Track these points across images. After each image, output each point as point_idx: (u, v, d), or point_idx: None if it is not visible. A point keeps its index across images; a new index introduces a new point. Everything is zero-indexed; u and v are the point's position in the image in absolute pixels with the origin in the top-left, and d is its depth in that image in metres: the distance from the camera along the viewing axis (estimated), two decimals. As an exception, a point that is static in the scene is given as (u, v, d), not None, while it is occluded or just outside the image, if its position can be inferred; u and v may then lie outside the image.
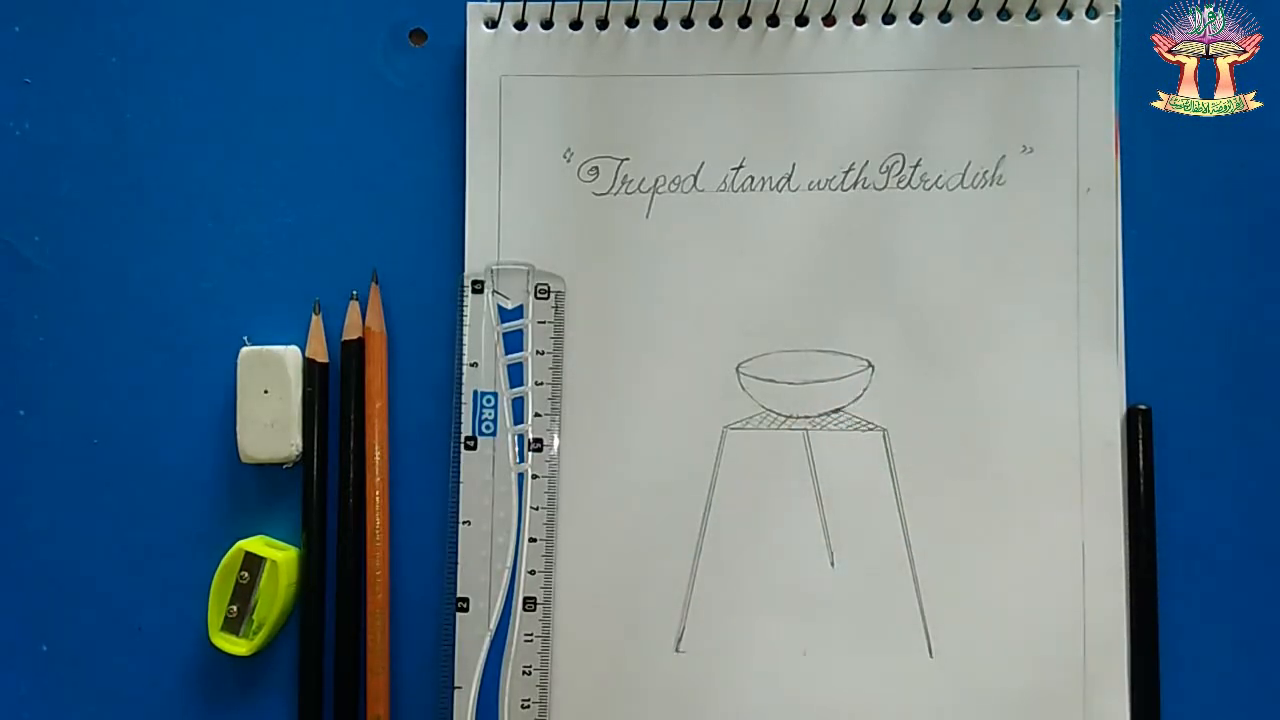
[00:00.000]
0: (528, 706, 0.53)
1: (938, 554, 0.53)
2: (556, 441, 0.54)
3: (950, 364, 0.53)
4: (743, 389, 0.54)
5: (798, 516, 0.53)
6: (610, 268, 0.54)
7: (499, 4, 0.54)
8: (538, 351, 0.54)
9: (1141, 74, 0.54)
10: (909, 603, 0.53)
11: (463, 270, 0.54)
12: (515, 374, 0.55)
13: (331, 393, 0.55)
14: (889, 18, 0.54)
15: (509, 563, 0.54)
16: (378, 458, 0.54)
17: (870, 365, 0.53)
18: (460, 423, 0.53)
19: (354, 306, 0.54)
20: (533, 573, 0.54)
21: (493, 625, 0.53)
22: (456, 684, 0.53)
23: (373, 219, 0.55)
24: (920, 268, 0.53)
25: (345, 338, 0.54)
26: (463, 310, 0.54)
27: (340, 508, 0.54)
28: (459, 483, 0.53)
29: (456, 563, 0.54)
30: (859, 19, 0.54)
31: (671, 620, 0.54)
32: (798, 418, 0.54)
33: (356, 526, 0.54)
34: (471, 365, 0.54)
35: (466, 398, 0.54)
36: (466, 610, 0.54)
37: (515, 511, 0.54)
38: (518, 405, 0.55)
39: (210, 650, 0.53)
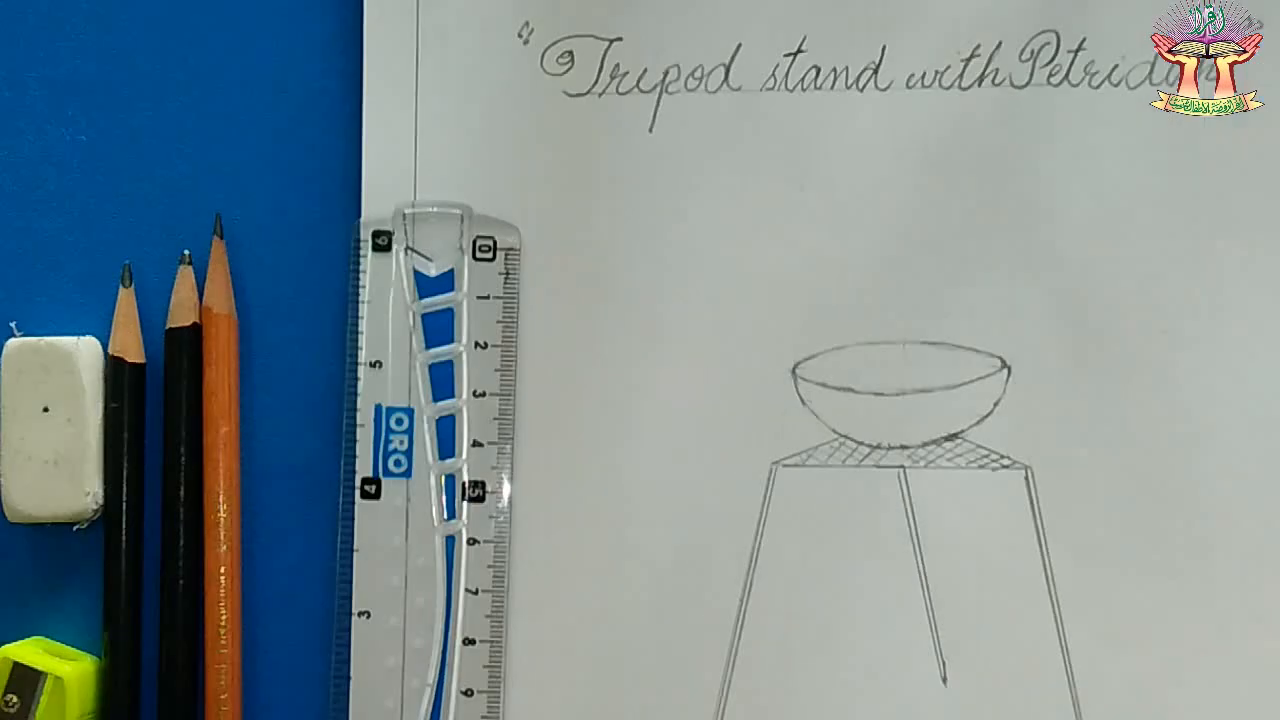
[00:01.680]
0: None
1: (1111, 667, 0.44)
2: (507, 488, 0.45)
3: (1129, 365, 0.45)
4: (802, 402, 0.45)
5: (889, 605, 0.45)
6: (592, 211, 0.46)
7: None
8: (477, 344, 0.45)
9: None
10: (1067, 744, 0.44)
11: (358, 216, 0.46)
12: (442, 379, 0.45)
13: (150, 410, 0.48)
14: None
15: (432, 678, 0.44)
16: (223, 513, 0.47)
17: (1004, 365, 0.45)
18: (355, 456, 0.45)
19: (185, 275, 0.47)
20: (469, 694, 0.44)
21: (409, 777, 0.45)
22: None
23: (217, 141, 0.48)
24: (1083, 214, 0.45)
25: (172, 324, 0.47)
26: (358, 279, 0.45)
27: (164, 591, 0.47)
28: (351, 550, 0.45)
29: (348, 677, 0.44)
30: None
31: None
32: (889, 448, 0.46)
33: (189, 620, 0.46)
34: (372, 366, 0.45)
35: (364, 417, 0.45)
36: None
37: (442, 596, 0.45)
38: (445, 429, 0.45)
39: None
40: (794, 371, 0.45)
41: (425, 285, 0.44)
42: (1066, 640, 0.44)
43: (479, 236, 0.44)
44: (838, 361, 0.45)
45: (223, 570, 0.47)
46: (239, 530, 0.47)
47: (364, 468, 0.44)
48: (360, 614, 0.44)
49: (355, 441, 0.44)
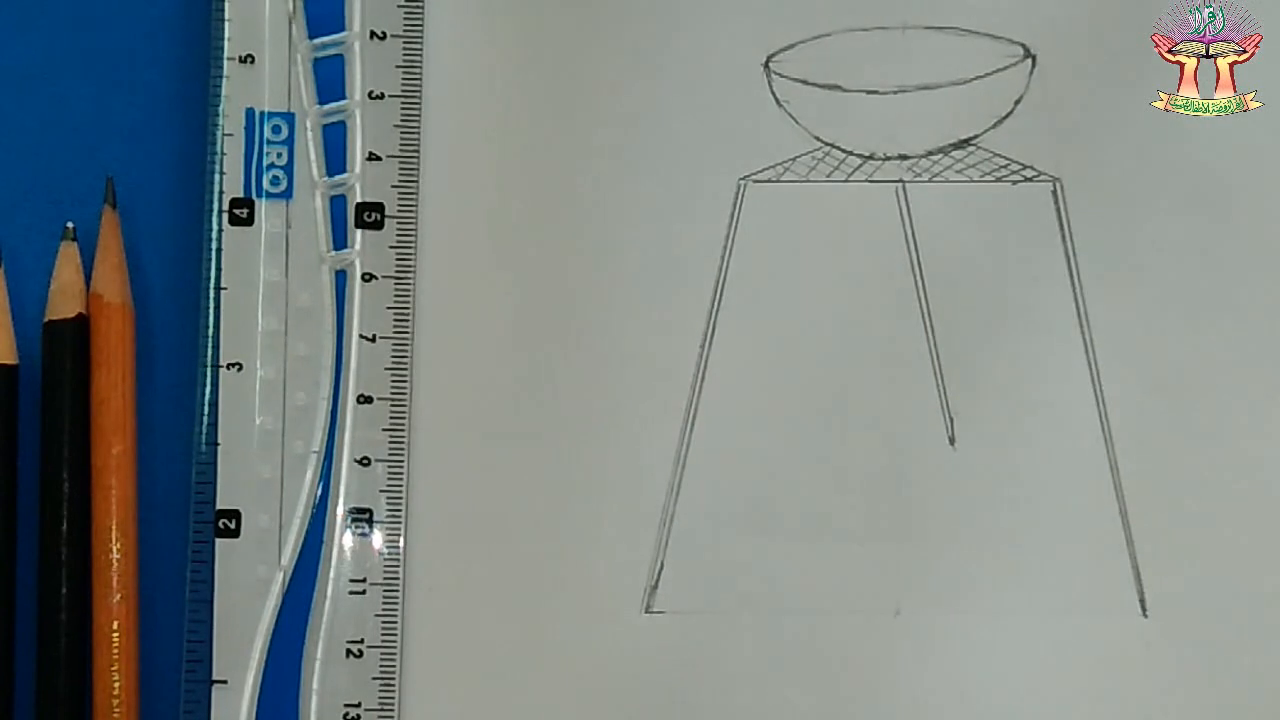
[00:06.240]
0: None
1: (1150, 411, 0.40)
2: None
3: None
4: (777, 102, 0.41)
5: (884, 350, 0.41)
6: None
7: None
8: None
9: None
10: (1100, 510, 0.39)
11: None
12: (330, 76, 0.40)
13: (24, 423, 0.42)
14: None
15: (319, 443, 0.40)
16: (116, 554, 0.41)
17: (1028, 54, 0.41)
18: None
19: (68, 253, 0.43)
20: (364, 462, 0.40)
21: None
22: None
23: (106, 89, 0.44)
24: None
25: (52, 315, 0.43)
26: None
27: (42, 656, 0.41)
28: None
29: (216, 441, 0.40)
30: None
31: (639, 554, 0.41)
32: (885, 159, 0.41)
33: (72, 693, 0.41)
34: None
35: (234, 125, 0.40)
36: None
37: (331, 344, 0.40)
38: (334, 136, 0.40)
39: None
40: (767, 65, 0.41)
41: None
42: (1101, 383, 0.39)
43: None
44: (821, 52, 0.41)
45: (116, 627, 0.41)
46: (135, 576, 0.41)
47: (233, 187, 0.39)
48: (230, 365, 0.39)
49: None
